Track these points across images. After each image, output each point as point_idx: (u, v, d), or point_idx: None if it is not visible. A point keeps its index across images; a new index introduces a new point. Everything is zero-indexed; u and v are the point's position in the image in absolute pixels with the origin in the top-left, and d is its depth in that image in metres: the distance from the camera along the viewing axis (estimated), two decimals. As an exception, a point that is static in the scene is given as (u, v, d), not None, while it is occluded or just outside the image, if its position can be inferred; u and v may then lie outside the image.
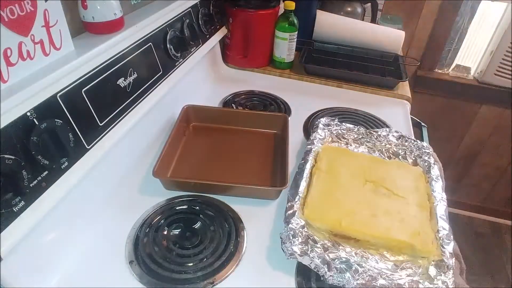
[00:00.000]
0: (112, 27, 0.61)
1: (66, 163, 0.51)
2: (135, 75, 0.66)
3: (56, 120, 0.49)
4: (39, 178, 0.47)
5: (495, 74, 1.50)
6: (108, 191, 0.65)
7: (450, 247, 0.57)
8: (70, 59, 0.53)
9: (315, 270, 0.52)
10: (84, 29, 0.61)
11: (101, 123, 0.58)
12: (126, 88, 0.64)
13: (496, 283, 1.68)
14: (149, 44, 0.71)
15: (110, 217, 0.62)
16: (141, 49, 0.68)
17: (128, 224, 0.61)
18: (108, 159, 0.62)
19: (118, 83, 0.62)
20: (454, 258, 0.55)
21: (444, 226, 0.60)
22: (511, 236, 1.92)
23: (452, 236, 0.59)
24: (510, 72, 1.48)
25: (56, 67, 0.50)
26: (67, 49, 0.54)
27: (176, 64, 0.81)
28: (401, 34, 1.20)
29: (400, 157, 0.77)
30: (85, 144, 0.55)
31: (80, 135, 0.54)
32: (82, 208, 0.59)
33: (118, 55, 0.61)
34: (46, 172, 0.48)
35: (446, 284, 0.51)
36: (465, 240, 1.86)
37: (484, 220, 1.99)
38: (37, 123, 0.46)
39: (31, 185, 0.46)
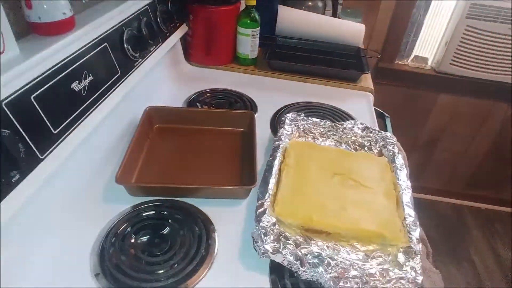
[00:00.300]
0: (62, 27, 0.57)
1: (17, 176, 0.47)
2: (91, 78, 0.63)
3: (3, 130, 0.45)
4: (-13, 194, 0.43)
5: (451, 64, 1.58)
6: (68, 201, 0.62)
7: (416, 233, 0.59)
8: (15, 63, 0.49)
9: (288, 267, 0.52)
10: (31, 30, 0.57)
11: (55, 131, 0.54)
12: (81, 92, 0.61)
13: (459, 261, 1.78)
14: (104, 45, 0.67)
15: (72, 229, 0.59)
16: (95, 50, 0.65)
17: (92, 235, 0.59)
18: (66, 168, 0.59)
19: (72, 87, 0.58)
20: (421, 244, 0.57)
21: (410, 213, 0.62)
22: (471, 216, 2.04)
23: (418, 222, 0.61)
24: (464, 61, 1.56)
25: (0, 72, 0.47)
26: (12, 52, 0.50)
27: (135, 64, 0.78)
28: (362, 27, 1.23)
29: (366, 148, 0.79)
30: (38, 154, 0.51)
31: (32, 145, 0.50)
32: (40, 222, 0.55)
33: (70, 58, 0.58)
34: (-5, 187, 0.44)
35: (414, 269, 0.53)
36: (429, 223, 1.95)
37: (446, 202, 2.10)
38: (-20, 134, 0.43)
39: (-23, 202, 0.42)
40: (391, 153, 0.76)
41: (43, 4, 0.55)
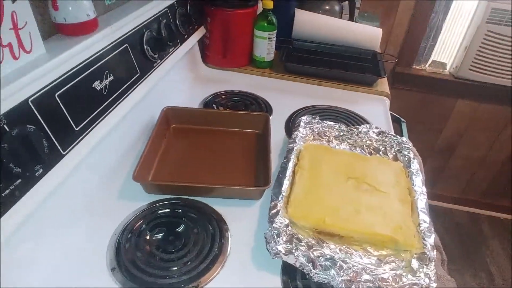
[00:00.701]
0: (85, 28, 0.59)
1: (40, 170, 0.49)
2: (112, 78, 0.65)
3: (28, 126, 0.47)
4: (12, 187, 0.45)
5: (470, 69, 1.55)
6: (87, 197, 0.63)
7: (431, 239, 0.58)
8: (41, 62, 0.51)
9: (300, 269, 0.53)
10: (56, 31, 0.59)
11: (77, 128, 0.56)
12: (103, 91, 0.62)
13: (476, 271, 1.73)
14: (125, 46, 0.69)
15: (89, 224, 0.61)
16: (117, 51, 0.66)
17: (109, 231, 0.60)
18: (86, 164, 0.61)
19: (93, 86, 0.60)
20: (435, 250, 0.57)
21: (425, 219, 0.61)
22: (488, 226, 1.98)
23: (433, 229, 0.60)
24: (483, 67, 1.53)
25: (27, 71, 0.49)
26: (38, 52, 0.52)
27: (154, 65, 0.80)
28: (379, 31, 1.22)
29: (380, 152, 0.79)
30: (61, 150, 0.53)
31: (55, 141, 0.52)
32: (60, 215, 0.57)
33: (92, 57, 0.60)
34: (20, 181, 0.46)
35: (428, 276, 0.52)
36: (445, 231, 1.91)
37: (463, 211, 2.05)
38: (8, 129, 0.45)
39: (3, 194, 0.44)
40: (406, 158, 0.75)
41: (69, 6, 0.57)
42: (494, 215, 2.02)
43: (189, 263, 0.55)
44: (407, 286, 0.51)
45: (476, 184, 1.94)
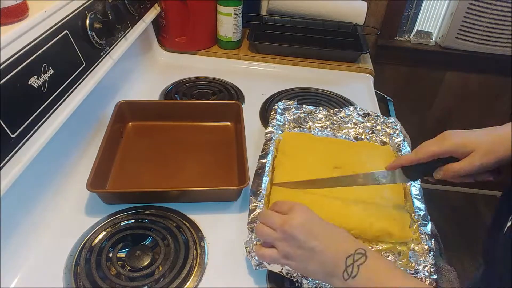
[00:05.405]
0: (13, 14, 0.56)
1: (-28, 189, 0.46)
2: (51, 72, 0.62)
3: (-49, 136, 0.44)
4: None
5: (457, 38, 1.59)
6: (35, 214, 0.61)
7: (428, 228, 0.60)
8: (-39, 58, 0.48)
9: (288, 277, 0.53)
10: (-23, 19, 0.55)
11: (13, 135, 0.53)
12: (41, 88, 0.59)
13: (473, 255, 1.82)
14: (64, 32, 0.66)
15: (41, 246, 0.59)
16: (55, 39, 0.63)
17: (63, 251, 0.59)
18: (29, 176, 0.58)
19: (30, 83, 0.57)
20: (433, 240, 0.58)
21: (420, 206, 0.63)
22: (484, 205, 2.08)
23: (429, 217, 0.62)
24: (472, 35, 1.57)
25: None
26: (-44, 46, 0.48)
27: (102, 53, 0.77)
28: (363, 4, 1.23)
29: (367, 137, 0.80)
30: (-5, 162, 0.50)
31: (-13, 152, 0.49)
32: (4, 240, 0.54)
33: (25, 49, 0.56)
34: None
35: (427, 267, 0.54)
36: (440, 215, 1.98)
37: (457, 192, 2.13)
38: None
39: None
40: (396, 141, 0.77)
41: (-11, -12, 0.53)
42: (489, 194, 2.12)
43: (161, 280, 0.55)
44: (406, 282, 0.52)
45: (470, 162, 2.01)
